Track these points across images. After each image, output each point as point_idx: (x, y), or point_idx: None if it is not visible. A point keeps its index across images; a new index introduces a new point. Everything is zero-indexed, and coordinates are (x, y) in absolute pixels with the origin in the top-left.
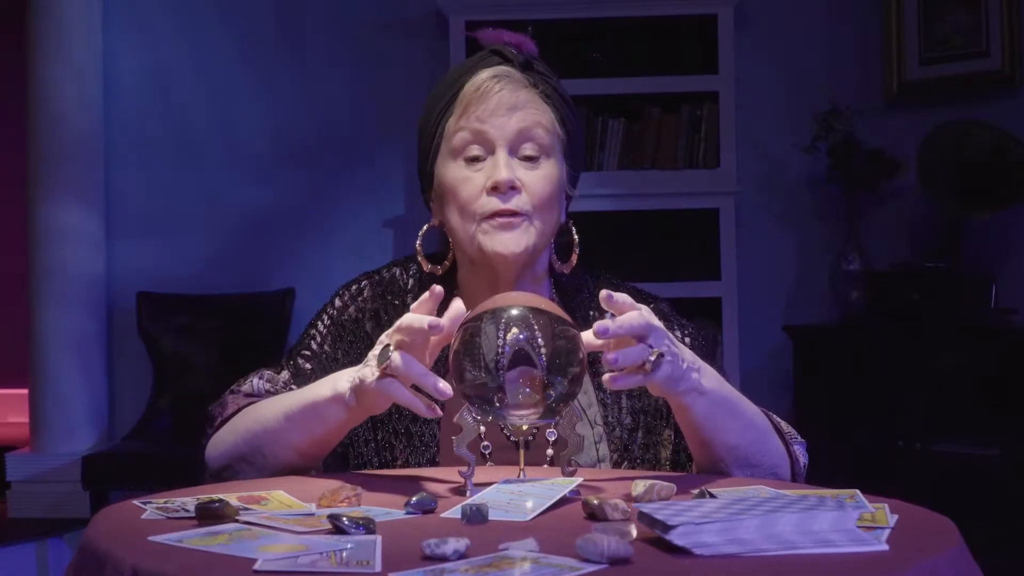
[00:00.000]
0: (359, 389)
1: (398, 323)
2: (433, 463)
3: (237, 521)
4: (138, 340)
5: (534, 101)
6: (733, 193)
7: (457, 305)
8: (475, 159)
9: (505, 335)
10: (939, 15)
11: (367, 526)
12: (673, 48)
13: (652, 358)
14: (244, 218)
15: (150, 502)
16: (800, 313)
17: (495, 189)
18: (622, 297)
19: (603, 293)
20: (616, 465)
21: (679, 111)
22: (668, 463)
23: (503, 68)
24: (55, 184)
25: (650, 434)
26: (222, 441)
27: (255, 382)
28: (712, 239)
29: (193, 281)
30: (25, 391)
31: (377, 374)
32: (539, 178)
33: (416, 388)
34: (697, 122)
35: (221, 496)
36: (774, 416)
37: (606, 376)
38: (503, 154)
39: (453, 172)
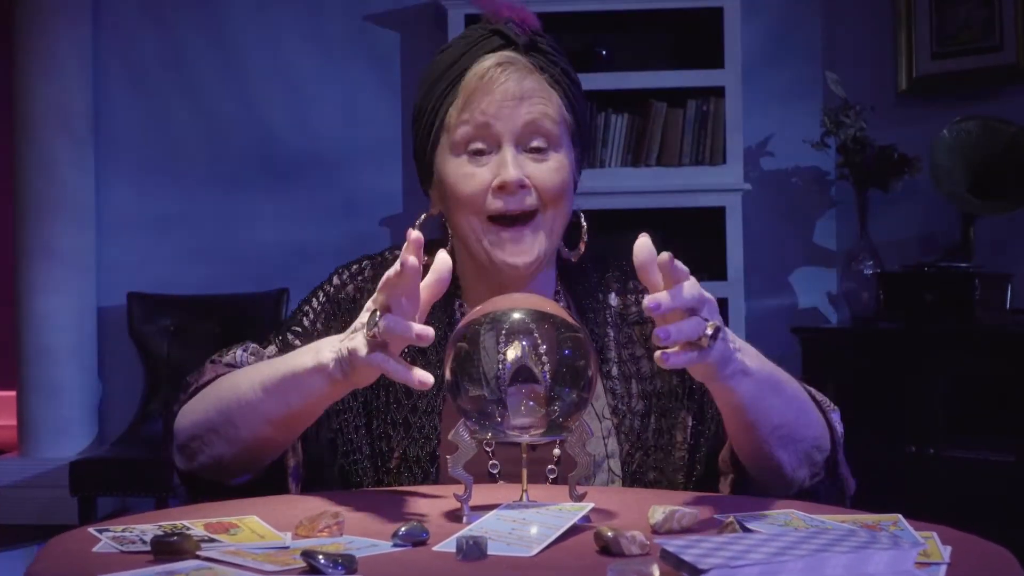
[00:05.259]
0: (347, 361)
1: (380, 284)
2: (432, 456)
3: (198, 557)
4: (129, 342)
5: (541, 88)
6: (740, 190)
7: (442, 258)
8: (479, 152)
9: (506, 349)
10: (951, 8)
11: (347, 565)
12: (678, 42)
13: (709, 332)
14: (237, 217)
15: (106, 529)
16: (809, 314)
17: (502, 189)
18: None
19: (664, 256)
20: (628, 456)
21: (684, 106)
22: (684, 447)
23: (507, 54)
24: (45, 184)
25: (664, 417)
26: (192, 411)
27: (239, 353)
28: (718, 238)
29: (185, 282)
30: (13, 393)
31: (367, 346)
32: (548, 171)
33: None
34: (703, 118)
35: (186, 523)
36: (807, 385)
37: (658, 353)
38: (510, 151)
39: (456, 167)
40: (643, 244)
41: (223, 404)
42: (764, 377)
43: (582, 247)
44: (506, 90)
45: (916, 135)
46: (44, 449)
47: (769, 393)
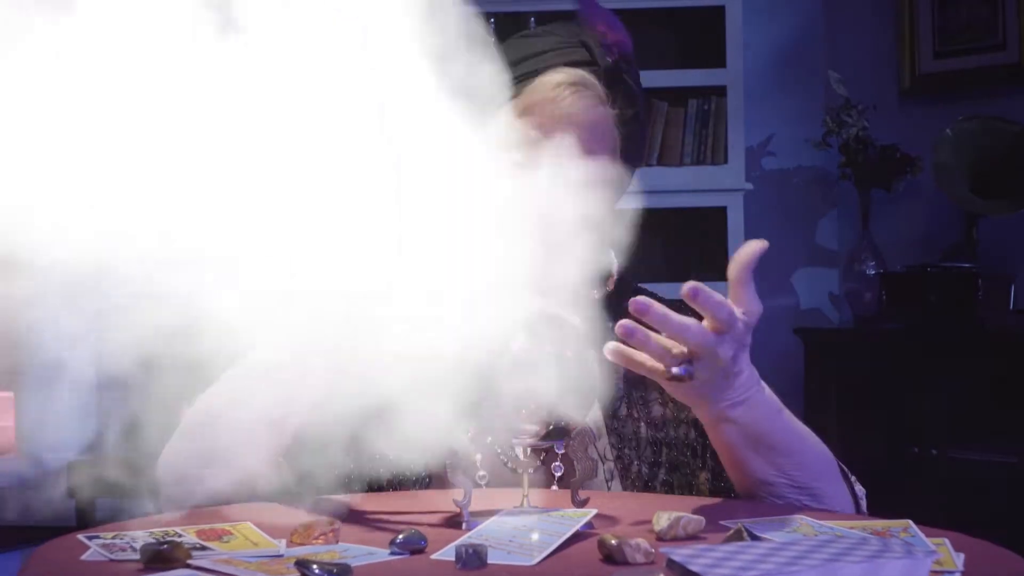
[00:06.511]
0: None
1: None
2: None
3: (188, 566)
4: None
5: (602, 124)
6: (741, 190)
7: None
8: None
9: (511, 350)
10: (954, 7)
11: (342, 574)
12: (679, 41)
13: (674, 371)
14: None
15: (96, 536)
16: (811, 315)
17: None
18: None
19: (687, 286)
20: None
21: (686, 105)
22: None
23: (584, 74)
24: None
25: (675, 471)
26: (174, 451)
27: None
28: (719, 237)
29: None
30: (11, 394)
31: None
32: None
33: None
34: (704, 117)
35: (178, 530)
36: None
37: (609, 346)
38: None
39: None
40: (749, 247)
41: (208, 443)
42: (753, 430)
43: (610, 284)
44: (568, 113)
45: (918, 134)
46: (42, 450)
47: (765, 448)
